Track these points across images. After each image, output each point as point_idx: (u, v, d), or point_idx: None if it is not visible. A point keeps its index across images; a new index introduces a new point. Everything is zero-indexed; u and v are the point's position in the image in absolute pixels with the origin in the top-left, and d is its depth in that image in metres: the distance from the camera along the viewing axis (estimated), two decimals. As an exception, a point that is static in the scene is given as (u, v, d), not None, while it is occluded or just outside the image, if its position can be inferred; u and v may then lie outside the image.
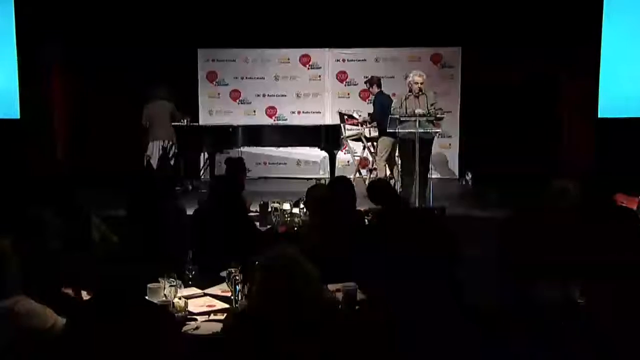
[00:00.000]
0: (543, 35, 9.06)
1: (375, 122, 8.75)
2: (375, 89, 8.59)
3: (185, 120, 8.93)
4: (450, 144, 10.19)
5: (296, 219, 5.19)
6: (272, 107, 10.51)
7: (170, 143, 8.54)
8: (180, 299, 3.19)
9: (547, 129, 9.48)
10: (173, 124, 8.61)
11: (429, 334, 2.55)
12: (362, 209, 5.02)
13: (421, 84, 7.25)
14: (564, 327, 3.29)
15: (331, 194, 4.31)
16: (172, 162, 8.55)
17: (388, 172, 8.40)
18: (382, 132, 8.22)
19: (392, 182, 8.06)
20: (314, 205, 4.21)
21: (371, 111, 9.24)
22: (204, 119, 10.32)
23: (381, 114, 8.27)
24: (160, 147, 8.51)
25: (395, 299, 2.96)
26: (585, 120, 9.22)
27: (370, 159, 9.20)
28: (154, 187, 4.65)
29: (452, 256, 4.08)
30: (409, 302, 2.80)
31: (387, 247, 4.01)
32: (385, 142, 8.24)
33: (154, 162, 8.46)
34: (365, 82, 9.03)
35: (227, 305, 3.26)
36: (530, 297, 3.60)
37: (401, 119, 7.07)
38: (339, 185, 4.69)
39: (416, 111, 7.04)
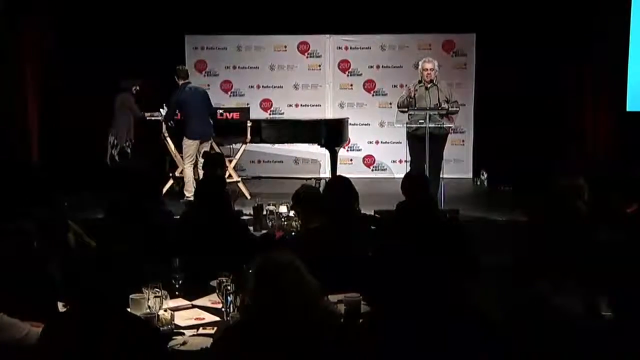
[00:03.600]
0: (566, 21, 9.05)
1: (169, 120, 8.30)
2: (179, 81, 8.08)
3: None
4: (463, 140, 10.20)
5: (294, 223, 5.18)
6: (267, 100, 10.52)
7: (113, 138, 8.57)
8: (166, 311, 3.19)
9: (570, 123, 9.48)
10: (150, 116, 8.64)
11: (434, 338, 2.57)
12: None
13: (431, 69, 7.21)
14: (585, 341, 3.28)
15: (319, 195, 4.33)
16: (109, 160, 8.58)
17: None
18: (181, 133, 8.05)
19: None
20: (300, 208, 4.22)
21: (374, 104, 9.29)
22: (192, 113, 10.32)
23: (174, 112, 8.06)
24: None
25: (398, 308, 2.97)
26: (611, 114, 9.23)
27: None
28: (137, 188, 4.65)
29: (465, 263, 4.08)
30: (413, 309, 2.81)
31: (391, 251, 4.01)
32: (190, 145, 8.00)
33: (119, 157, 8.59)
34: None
35: (217, 318, 3.26)
36: (550, 307, 3.59)
37: (410, 112, 7.09)
38: (333, 185, 4.71)
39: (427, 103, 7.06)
